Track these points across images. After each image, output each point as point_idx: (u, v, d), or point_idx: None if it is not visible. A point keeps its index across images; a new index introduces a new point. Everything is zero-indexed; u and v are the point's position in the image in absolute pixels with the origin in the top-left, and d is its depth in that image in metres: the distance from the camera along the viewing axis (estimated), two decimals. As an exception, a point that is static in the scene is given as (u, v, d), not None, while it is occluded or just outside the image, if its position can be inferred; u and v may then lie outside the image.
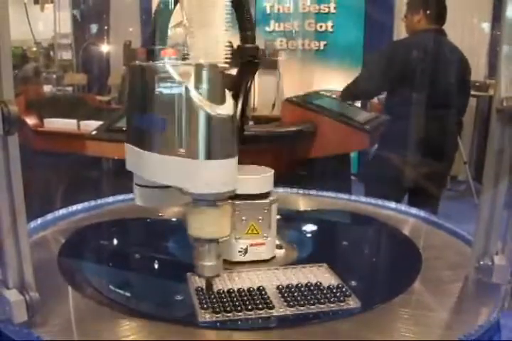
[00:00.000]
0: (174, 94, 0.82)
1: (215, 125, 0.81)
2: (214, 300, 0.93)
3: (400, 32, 4.02)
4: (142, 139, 0.89)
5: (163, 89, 0.85)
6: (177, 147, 0.83)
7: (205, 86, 0.81)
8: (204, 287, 0.96)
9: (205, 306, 0.92)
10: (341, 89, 3.10)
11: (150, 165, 0.89)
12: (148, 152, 0.88)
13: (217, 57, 0.85)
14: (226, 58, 0.87)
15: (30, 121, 3.22)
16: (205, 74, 0.81)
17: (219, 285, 1.00)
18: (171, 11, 0.95)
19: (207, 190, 0.84)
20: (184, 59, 0.87)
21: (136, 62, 0.93)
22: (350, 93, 3.01)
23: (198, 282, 1.01)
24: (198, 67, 0.81)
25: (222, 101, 0.82)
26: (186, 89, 0.81)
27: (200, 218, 0.87)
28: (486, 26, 5.05)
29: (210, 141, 0.82)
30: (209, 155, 0.82)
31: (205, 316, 0.90)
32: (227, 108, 0.82)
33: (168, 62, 0.86)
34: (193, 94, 0.81)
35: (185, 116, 0.82)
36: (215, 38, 0.85)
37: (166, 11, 0.95)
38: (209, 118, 0.81)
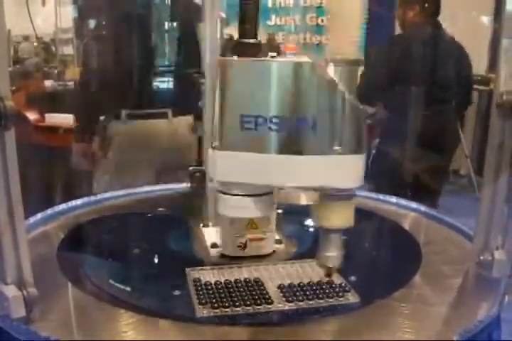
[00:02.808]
0: (324, 91, 0.82)
1: (362, 119, 0.83)
2: (212, 296, 0.93)
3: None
4: (270, 143, 0.84)
5: (313, 88, 0.82)
6: (332, 145, 0.82)
7: (348, 81, 0.82)
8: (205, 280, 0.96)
9: (203, 301, 0.92)
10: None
11: (284, 169, 0.85)
12: (285, 155, 0.84)
13: (350, 55, 0.85)
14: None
15: (31, 116, 3.22)
16: (347, 69, 0.82)
17: (218, 279, 1.00)
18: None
19: (355, 184, 0.86)
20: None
21: (234, 58, 0.88)
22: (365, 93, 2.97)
23: (196, 277, 1.00)
24: (344, 63, 0.82)
25: (355, 95, 0.83)
26: (338, 86, 0.81)
27: (336, 211, 0.89)
28: (488, 20, 5.03)
29: (361, 136, 0.83)
30: (360, 150, 0.83)
31: (203, 311, 0.90)
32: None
33: (290, 57, 0.84)
34: (344, 90, 0.81)
35: (339, 114, 0.81)
36: (349, 37, 0.85)
37: (256, 2, 0.92)
38: (361, 113, 0.82)
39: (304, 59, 0.83)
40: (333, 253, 0.92)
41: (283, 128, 0.82)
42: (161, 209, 1.41)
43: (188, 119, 2.23)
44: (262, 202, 0.92)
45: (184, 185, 1.48)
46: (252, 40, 0.90)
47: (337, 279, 1.01)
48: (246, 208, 0.92)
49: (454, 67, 2.77)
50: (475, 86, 4.89)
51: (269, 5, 5.28)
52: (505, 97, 0.93)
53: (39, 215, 1.31)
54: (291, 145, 0.83)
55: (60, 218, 1.34)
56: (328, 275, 0.96)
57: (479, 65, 5.03)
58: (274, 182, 0.87)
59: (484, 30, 5.02)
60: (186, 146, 2.21)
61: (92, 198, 1.46)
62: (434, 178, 2.75)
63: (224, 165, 0.87)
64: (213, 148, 0.87)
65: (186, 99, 2.18)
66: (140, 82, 2.22)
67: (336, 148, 0.82)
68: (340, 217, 0.89)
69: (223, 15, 1.14)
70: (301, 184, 0.87)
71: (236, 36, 0.92)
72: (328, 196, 0.87)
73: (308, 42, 5.20)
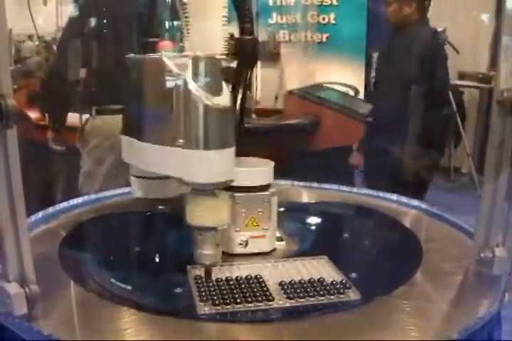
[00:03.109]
0: (172, 86, 0.83)
1: (213, 115, 0.82)
2: (213, 293, 0.94)
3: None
4: (141, 131, 0.91)
5: (161, 81, 0.85)
6: (176, 138, 0.84)
7: (202, 78, 0.82)
8: (203, 276, 0.96)
9: (204, 298, 0.92)
10: (344, 81, 3.07)
11: (149, 157, 0.90)
12: (147, 143, 0.89)
13: (214, 50, 0.85)
14: (224, 50, 0.87)
15: (32, 115, 3.22)
16: (202, 65, 0.82)
17: (219, 276, 1.00)
18: (166, 4, 0.95)
19: (205, 179, 0.85)
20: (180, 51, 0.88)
21: (131, 54, 0.93)
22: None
23: (197, 274, 1.01)
24: (196, 59, 0.82)
25: (219, 92, 0.83)
26: (184, 80, 0.81)
27: (198, 207, 0.89)
28: (489, 17, 5.03)
29: (208, 132, 0.83)
30: (207, 146, 0.83)
31: (205, 308, 0.90)
32: (224, 99, 0.83)
33: (164, 54, 0.86)
34: (191, 85, 0.81)
35: (183, 108, 0.83)
36: (212, 30, 0.85)
37: (161, 3, 0.95)
38: (206, 108, 0.82)
39: (159, 55, 0.89)
40: (209, 251, 0.92)
41: (147, 120, 0.92)
42: (162, 207, 1.41)
43: None
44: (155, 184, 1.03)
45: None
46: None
47: (338, 276, 1.01)
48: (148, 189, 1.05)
49: (430, 61, 2.68)
50: (477, 83, 4.91)
51: (270, 3, 5.27)
52: (505, 95, 0.93)
53: (40, 213, 1.31)
54: (152, 134, 0.91)
55: (61, 216, 1.34)
56: (207, 273, 0.95)
57: (480, 63, 5.05)
58: (143, 166, 0.96)
59: (485, 28, 5.01)
60: None
61: (93, 196, 1.46)
62: (420, 172, 2.69)
63: (124, 147, 1.00)
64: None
65: None
66: (110, 77, 2.23)
67: (180, 141, 0.85)
68: (210, 216, 0.90)
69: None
70: (161, 172, 0.93)
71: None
72: (198, 192, 0.89)
73: (310, 41, 5.19)
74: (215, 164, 0.85)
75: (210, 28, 0.85)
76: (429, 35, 2.70)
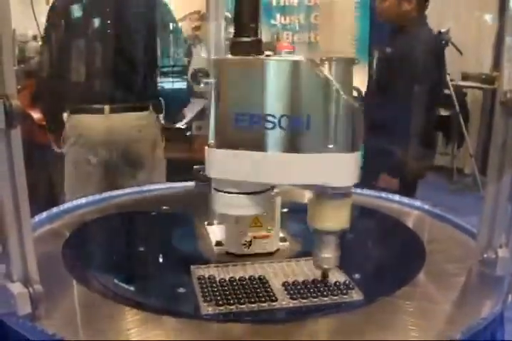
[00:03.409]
0: (318, 90, 0.82)
1: (357, 117, 0.83)
2: (217, 293, 0.94)
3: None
4: (261, 141, 0.85)
5: (308, 86, 0.83)
6: (326, 143, 0.83)
7: (343, 80, 0.82)
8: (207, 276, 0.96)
9: (207, 299, 0.92)
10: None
11: (279, 167, 0.86)
12: (280, 153, 0.85)
13: (344, 51, 0.84)
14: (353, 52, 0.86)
15: (35, 115, 3.22)
16: (341, 68, 0.82)
17: (222, 277, 1.00)
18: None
19: (350, 182, 0.86)
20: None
21: (228, 56, 0.89)
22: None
23: (201, 274, 1.01)
24: (338, 62, 0.82)
25: (352, 93, 0.83)
26: (331, 83, 0.81)
27: (325, 211, 0.89)
28: (492, 18, 5.02)
29: (355, 134, 0.83)
30: (354, 148, 0.83)
31: (208, 309, 0.90)
32: (355, 100, 0.83)
33: (286, 55, 0.85)
34: (338, 88, 0.81)
35: (333, 112, 0.82)
36: (343, 32, 0.84)
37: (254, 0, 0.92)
38: (354, 110, 0.82)
39: (299, 57, 0.84)
40: (328, 255, 0.93)
41: (278, 127, 0.83)
42: (165, 207, 1.42)
43: (128, 116, 2.24)
44: (256, 200, 0.92)
45: (189, 183, 1.48)
46: (246, 39, 0.90)
47: (341, 277, 1.01)
48: (239, 206, 0.92)
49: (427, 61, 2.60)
50: (480, 84, 4.90)
51: (274, 3, 5.27)
52: (508, 96, 0.93)
53: (44, 214, 1.32)
54: (286, 143, 0.84)
55: (65, 216, 1.35)
56: (324, 276, 0.98)
57: (483, 64, 5.04)
58: (268, 180, 0.88)
59: (488, 28, 5.01)
60: (122, 143, 2.23)
61: (97, 196, 1.47)
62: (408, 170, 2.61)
63: (219, 162, 0.89)
64: (209, 145, 0.89)
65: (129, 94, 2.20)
66: (86, 78, 2.23)
67: (330, 146, 0.83)
68: (333, 219, 0.90)
69: (228, 14, 1.14)
70: (294, 182, 0.88)
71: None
72: (323, 196, 0.88)
73: (313, 42, 5.20)
74: (357, 166, 0.86)
75: (341, 29, 0.84)
76: (432, 37, 2.63)
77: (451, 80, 4.60)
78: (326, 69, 0.82)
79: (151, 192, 1.57)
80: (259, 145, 0.85)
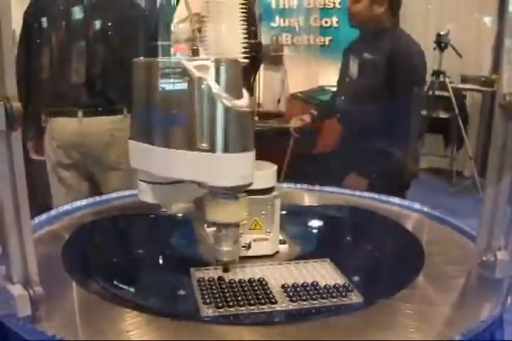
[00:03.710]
0: (193, 89, 0.84)
1: (236, 118, 0.83)
2: (216, 295, 0.94)
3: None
4: (155, 136, 0.90)
5: (180, 84, 0.85)
6: (198, 142, 0.85)
7: (224, 80, 0.82)
8: (207, 278, 0.96)
9: (207, 301, 0.92)
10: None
11: (164, 162, 0.89)
12: (163, 148, 0.89)
13: (231, 52, 0.85)
14: (244, 53, 0.87)
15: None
16: (224, 69, 0.82)
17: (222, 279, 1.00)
18: (174, 7, 0.95)
19: (227, 183, 0.86)
20: (193, 54, 0.87)
21: (141, 58, 0.93)
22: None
23: (201, 277, 1.01)
24: (218, 62, 0.82)
25: (239, 95, 0.83)
26: (207, 83, 0.82)
27: (217, 210, 0.90)
28: (492, 20, 5.02)
29: (230, 135, 0.84)
30: (229, 149, 0.84)
31: (208, 311, 0.90)
32: (244, 102, 0.83)
33: (182, 57, 0.86)
34: (214, 88, 0.81)
35: (206, 111, 0.83)
36: (231, 33, 0.85)
37: (169, 7, 0.95)
38: (230, 111, 0.82)
39: (177, 59, 0.87)
40: (227, 248, 0.94)
41: (164, 124, 0.90)
42: (165, 209, 1.42)
43: (101, 120, 2.24)
44: (166, 189, 0.99)
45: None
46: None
47: (340, 279, 1.01)
48: (148, 194, 1.01)
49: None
50: (479, 87, 4.90)
51: (273, 6, 5.28)
52: (508, 98, 0.93)
53: (44, 216, 1.32)
54: (169, 139, 0.90)
55: (65, 218, 1.35)
56: (225, 269, 0.99)
57: (483, 66, 5.05)
58: (157, 171, 0.94)
59: (488, 30, 5.01)
60: (94, 147, 2.23)
61: (97, 198, 1.47)
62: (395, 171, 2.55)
63: (132, 153, 0.97)
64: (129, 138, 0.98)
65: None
66: (60, 81, 2.23)
67: (203, 145, 0.85)
68: (228, 213, 0.91)
69: None
70: (174, 176, 0.92)
71: None
72: (214, 194, 0.90)
73: (312, 44, 5.20)
74: (237, 167, 0.86)
75: (227, 31, 0.85)
76: (410, 41, 2.45)
77: (451, 83, 4.61)
78: (206, 69, 0.84)
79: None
80: (153, 140, 0.92)
